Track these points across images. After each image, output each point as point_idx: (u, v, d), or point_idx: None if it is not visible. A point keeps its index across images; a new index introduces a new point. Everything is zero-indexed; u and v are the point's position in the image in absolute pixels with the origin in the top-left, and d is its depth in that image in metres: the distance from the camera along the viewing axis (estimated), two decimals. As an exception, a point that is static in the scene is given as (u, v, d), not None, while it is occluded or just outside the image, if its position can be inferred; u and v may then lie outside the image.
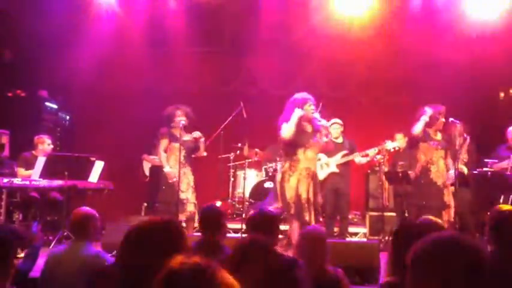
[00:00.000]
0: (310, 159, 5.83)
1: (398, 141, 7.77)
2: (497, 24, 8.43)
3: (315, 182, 5.85)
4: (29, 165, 6.93)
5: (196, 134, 6.67)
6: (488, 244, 3.19)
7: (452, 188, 6.35)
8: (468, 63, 8.62)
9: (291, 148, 5.85)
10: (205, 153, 6.93)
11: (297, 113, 5.72)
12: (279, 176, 5.96)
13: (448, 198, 6.15)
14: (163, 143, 6.75)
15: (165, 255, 1.56)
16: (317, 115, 5.88)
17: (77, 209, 3.83)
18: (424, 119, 6.38)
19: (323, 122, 5.87)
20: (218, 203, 5.49)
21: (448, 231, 1.74)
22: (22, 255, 3.74)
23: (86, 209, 3.81)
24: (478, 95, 9.01)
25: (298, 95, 6.01)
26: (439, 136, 6.34)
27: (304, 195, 5.72)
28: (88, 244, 3.60)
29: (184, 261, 1.38)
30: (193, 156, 6.84)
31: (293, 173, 5.76)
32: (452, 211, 6.14)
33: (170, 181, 6.53)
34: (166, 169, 6.60)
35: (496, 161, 7.47)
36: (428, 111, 6.39)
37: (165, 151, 6.73)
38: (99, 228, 3.98)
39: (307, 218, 5.68)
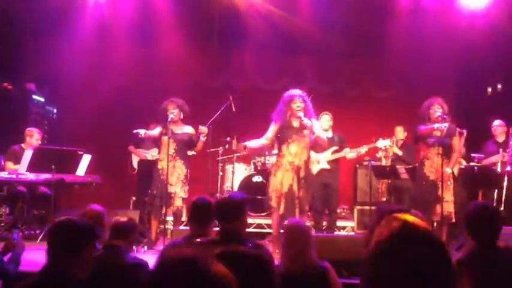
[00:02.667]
0: (294, 153, 6.01)
1: (398, 134, 7.88)
2: (486, 18, 8.48)
3: (299, 175, 5.97)
4: (18, 158, 6.88)
5: (202, 129, 6.68)
6: (468, 239, 3.23)
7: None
8: (456, 58, 8.66)
9: (278, 144, 6.20)
10: (194, 152, 6.93)
11: (272, 129, 6.11)
12: (271, 171, 6.26)
13: (445, 192, 6.20)
14: (158, 129, 6.75)
15: None
16: (301, 114, 5.99)
17: (90, 207, 3.90)
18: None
19: (305, 121, 5.98)
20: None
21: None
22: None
23: (98, 207, 3.90)
24: (466, 90, 9.07)
25: (287, 93, 6.18)
26: (439, 132, 6.34)
27: (285, 189, 5.92)
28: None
29: (176, 252, 1.38)
30: (188, 151, 6.85)
31: (279, 167, 6.03)
32: (448, 205, 6.20)
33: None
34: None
35: (483, 156, 7.54)
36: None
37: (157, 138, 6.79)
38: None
39: (281, 210, 5.88)
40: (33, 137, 7.17)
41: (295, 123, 6.08)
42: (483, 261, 2.87)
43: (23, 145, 7.13)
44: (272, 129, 6.15)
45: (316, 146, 6.63)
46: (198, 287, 1.30)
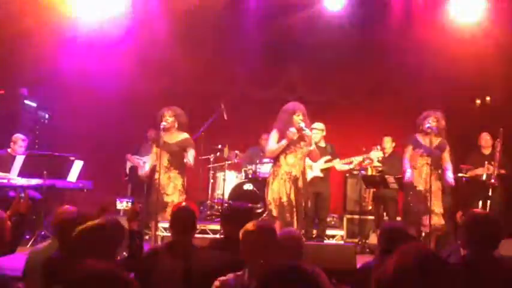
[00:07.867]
0: (290, 164, 6.05)
1: (386, 145, 7.87)
2: (475, 30, 8.62)
3: (296, 185, 6.01)
4: (3, 164, 6.86)
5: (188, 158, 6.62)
6: (462, 247, 3.28)
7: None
8: (445, 69, 8.76)
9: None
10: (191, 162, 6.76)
11: (283, 142, 6.00)
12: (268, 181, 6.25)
13: (434, 203, 6.24)
14: (154, 149, 6.74)
15: None
16: (303, 124, 6.02)
17: (61, 208, 3.80)
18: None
19: (306, 131, 6.02)
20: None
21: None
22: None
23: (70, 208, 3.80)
24: (455, 101, 9.15)
25: (289, 105, 6.22)
26: (428, 142, 6.39)
27: (284, 198, 5.95)
28: None
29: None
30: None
31: (275, 177, 6.05)
32: (438, 218, 6.24)
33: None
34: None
35: (471, 167, 7.65)
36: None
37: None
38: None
39: (288, 218, 5.91)
40: (16, 144, 7.20)
41: (294, 136, 6.07)
42: (479, 270, 2.88)
43: (9, 150, 7.16)
44: (274, 137, 6.11)
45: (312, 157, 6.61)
46: None
